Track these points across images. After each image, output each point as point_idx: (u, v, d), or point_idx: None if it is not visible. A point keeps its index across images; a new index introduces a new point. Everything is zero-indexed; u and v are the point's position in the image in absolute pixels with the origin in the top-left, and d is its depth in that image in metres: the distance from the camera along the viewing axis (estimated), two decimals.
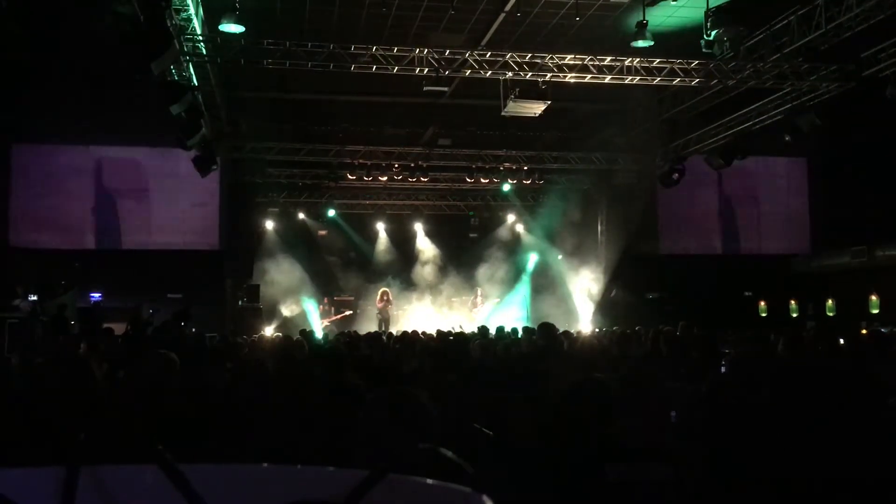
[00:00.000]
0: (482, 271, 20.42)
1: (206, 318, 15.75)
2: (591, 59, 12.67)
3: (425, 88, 13.13)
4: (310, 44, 12.07)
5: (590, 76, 12.82)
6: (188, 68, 12.53)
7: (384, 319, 19.01)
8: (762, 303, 19.08)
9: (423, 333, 12.85)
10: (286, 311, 18.87)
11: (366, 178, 17.95)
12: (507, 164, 18.28)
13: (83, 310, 15.19)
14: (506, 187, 19.65)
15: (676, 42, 12.43)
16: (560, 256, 20.04)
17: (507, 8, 11.82)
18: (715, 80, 13.28)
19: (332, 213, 20.57)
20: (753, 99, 14.89)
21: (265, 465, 0.85)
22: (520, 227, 21.82)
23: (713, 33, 10.49)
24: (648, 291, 19.02)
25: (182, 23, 11.19)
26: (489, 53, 12.50)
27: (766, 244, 20.52)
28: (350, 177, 18.10)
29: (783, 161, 20.39)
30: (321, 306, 19.28)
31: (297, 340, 9.25)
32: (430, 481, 0.78)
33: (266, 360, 7.36)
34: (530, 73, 12.64)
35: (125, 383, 5.41)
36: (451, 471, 0.79)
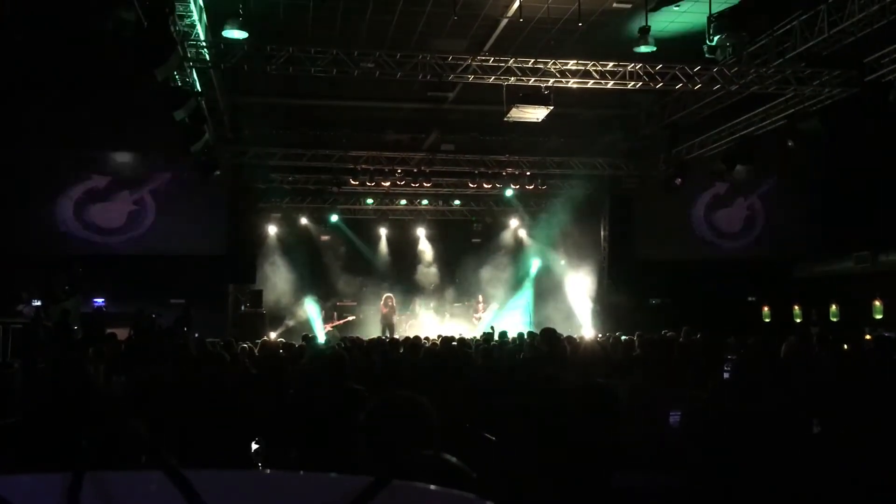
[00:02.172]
0: (485, 276, 20.41)
1: (209, 323, 15.78)
2: (593, 65, 12.68)
3: (428, 94, 13.14)
4: (313, 49, 12.09)
5: (592, 81, 12.84)
6: (191, 74, 12.58)
7: (388, 325, 18.99)
8: (766, 308, 19.03)
9: (426, 339, 12.86)
10: (289, 315, 18.88)
11: (368, 184, 17.96)
12: (509, 170, 18.28)
13: (87, 315, 15.21)
14: (508, 192, 19.65)
15: (679, 47, 12.43)
16: (563, 261, 20.01)
17: (510, 14, 11.84)
18: (718, 86, 13.28)
19: (334, 218, 20.59)
20: (756, 104, 14.88)
21: (270, 470, 0.85)
22: (522, 233, 21.82)
23: (716, 38, 10.48)
24: (651, 297, 19.01)
25: (185, 29, 11.23)
26: (492, 59, 12.51)
27: (770, 249, 20.48)
28: (353, 182, 18.13)
29: (786, 166, 20.35)
30: (322, 311, 19.28)
31: (298, 346, 9.25)
32: (434, 487, 0.78)
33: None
34: (533, 79, 12.65)
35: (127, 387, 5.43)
36: (455, 477, 0.79)
